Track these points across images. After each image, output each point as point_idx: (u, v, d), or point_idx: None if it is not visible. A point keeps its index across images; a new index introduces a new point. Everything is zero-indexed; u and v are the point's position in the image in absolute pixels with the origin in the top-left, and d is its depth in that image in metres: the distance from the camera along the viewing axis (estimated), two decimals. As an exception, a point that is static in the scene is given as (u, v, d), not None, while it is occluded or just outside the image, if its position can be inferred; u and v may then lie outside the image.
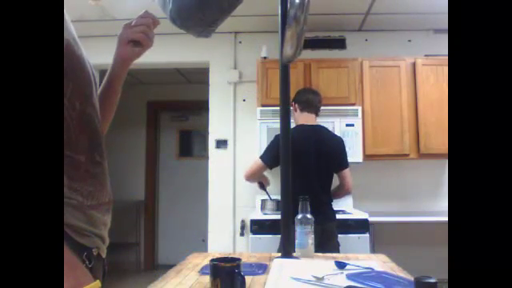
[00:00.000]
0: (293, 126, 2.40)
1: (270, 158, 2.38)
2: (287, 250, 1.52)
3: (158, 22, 0.98)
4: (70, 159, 0.75)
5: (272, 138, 2.50)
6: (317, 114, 2.55)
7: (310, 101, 2.52)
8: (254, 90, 3.44)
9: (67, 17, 0.81)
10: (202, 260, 1.50)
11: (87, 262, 0.76)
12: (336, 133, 2.90)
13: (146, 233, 5.16)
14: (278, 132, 1.59)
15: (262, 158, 2.46)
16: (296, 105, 2.54)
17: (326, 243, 2.27)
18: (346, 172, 2.52)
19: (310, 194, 2.31)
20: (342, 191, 2.57)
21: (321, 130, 2.52)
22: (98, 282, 0.66)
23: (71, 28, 0.81)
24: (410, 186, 3.51)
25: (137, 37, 0.96)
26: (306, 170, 2.38)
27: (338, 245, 2.41)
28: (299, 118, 2.52)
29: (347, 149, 2.59)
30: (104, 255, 0.85)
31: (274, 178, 2.78)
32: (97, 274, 0.78)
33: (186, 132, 5.40)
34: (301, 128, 2.47)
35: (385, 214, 3.22)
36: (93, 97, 0.84)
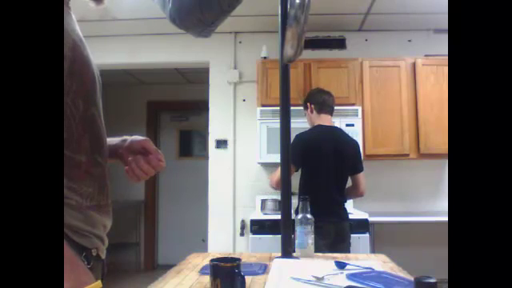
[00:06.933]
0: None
1: (296, 158, 2.30)
2: (287, 250, 1.52)
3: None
4: (70, 159, 0.74)
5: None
6: (331, 115, 2.53)
7: (327, 102, 2.50)
8: (254, 90, 3.44)
9: (74, 17, 0.81)
10: (202, 260, 1.50)
11: (86, 263, 0.75)
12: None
13: (146, 233, 5.16)
14: (278, 132, 1.59)
15: None
16: (312, 106, 2.50)
17: (340, 244, 2.28)
18: (361, 176, 2.49)
19: (326, 193, 2.35)
20: (354, 194, 2.56)
21: (338, 132, 2.52)
22: (99, 283, 0.66)
23: (78, 29, 0.81)
24: (410, 186, 3.51)
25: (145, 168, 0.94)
26: (324, 170, 2.37)
27: (349, 245, 2.42)
28: (316, 119, 2.49)
29: None
30: (103, 256, 0.84)
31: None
32: (96, 275, 0.77)
33: (186, 132, 5.39)
34: (320, 128, 2.45)
35: (385, 214, 3.22)
36: (97, 97, 0.83)
